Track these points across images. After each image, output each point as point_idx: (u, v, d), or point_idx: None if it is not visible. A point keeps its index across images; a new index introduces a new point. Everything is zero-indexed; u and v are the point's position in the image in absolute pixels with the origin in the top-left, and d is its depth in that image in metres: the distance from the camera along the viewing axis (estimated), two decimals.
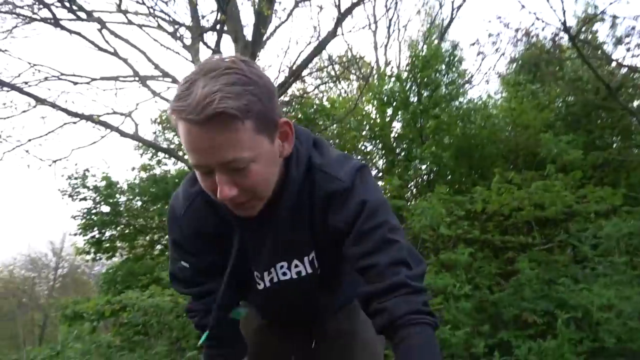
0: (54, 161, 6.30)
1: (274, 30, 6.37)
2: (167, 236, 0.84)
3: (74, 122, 6.03)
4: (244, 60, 0.84)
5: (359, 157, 6.98)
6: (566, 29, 5.15)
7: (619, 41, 6.20)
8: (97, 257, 7.55)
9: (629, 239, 3.58)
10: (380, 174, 6.88)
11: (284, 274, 1.03)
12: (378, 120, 7.32)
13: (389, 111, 7.14)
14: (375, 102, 7.34)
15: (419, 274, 0.88)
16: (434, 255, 3.82)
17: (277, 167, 0.90)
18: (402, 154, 6.92)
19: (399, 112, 6.79)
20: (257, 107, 0.80)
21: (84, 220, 7.21)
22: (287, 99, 7.28)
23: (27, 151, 5.95)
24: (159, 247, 7.59)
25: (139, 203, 7.79)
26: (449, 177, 6.18)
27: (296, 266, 1.02)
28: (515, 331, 3.38)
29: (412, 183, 6.52)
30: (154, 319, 4.39)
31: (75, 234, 7.38)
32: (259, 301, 1.15)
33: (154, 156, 8.01)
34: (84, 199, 7.34)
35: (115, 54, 6.03)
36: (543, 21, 5.53)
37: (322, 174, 0.93)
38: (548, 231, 4.47)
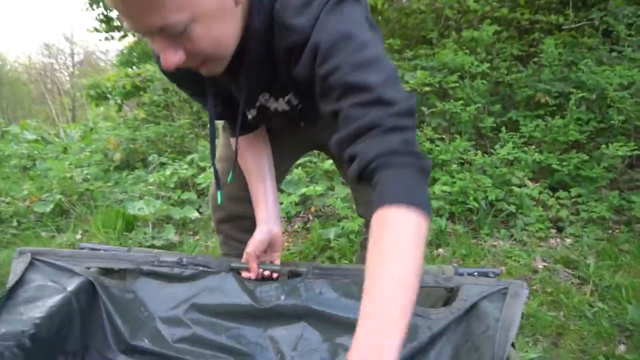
0: None
1: None
2: None
3: None
4: None
5: None
6: None
7: None
8: (109, 36, 7.40)
9: None
10: None
11: (265, 108, 1.01)
12: None
13: None
14: None
15: (401, 110, 0.71)
16: (455, 34, 3.64)
17: (235, 21, 0.75)
18: None
19: None
20: None
21: None
22: None
23: None
24: None
25: None
26: None
27: (275, 101, 0.99)
28: (525, 111, 3.45)
29: None
30: (174, 97, 4.56)
31: (83, 10, 7.09)
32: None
33: None
34: None
35: None
36: None
37: (279, 25, 0.77)
38: (584, 13, 4.12)
